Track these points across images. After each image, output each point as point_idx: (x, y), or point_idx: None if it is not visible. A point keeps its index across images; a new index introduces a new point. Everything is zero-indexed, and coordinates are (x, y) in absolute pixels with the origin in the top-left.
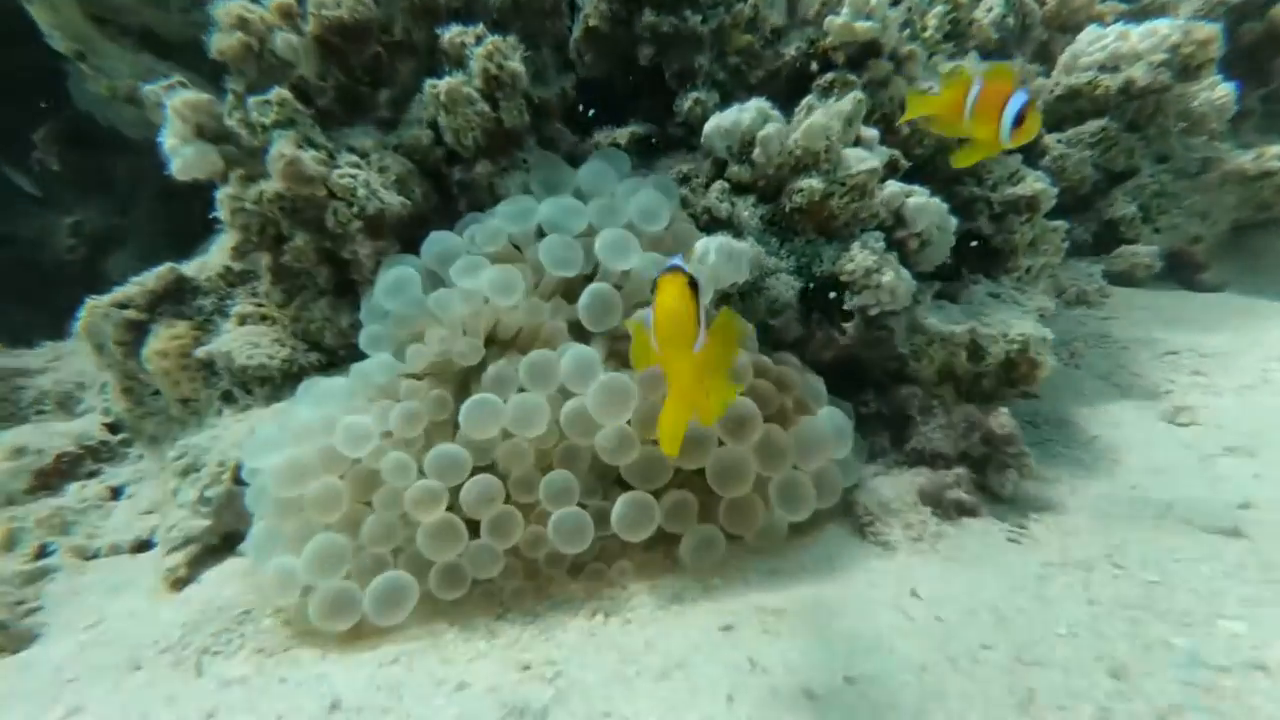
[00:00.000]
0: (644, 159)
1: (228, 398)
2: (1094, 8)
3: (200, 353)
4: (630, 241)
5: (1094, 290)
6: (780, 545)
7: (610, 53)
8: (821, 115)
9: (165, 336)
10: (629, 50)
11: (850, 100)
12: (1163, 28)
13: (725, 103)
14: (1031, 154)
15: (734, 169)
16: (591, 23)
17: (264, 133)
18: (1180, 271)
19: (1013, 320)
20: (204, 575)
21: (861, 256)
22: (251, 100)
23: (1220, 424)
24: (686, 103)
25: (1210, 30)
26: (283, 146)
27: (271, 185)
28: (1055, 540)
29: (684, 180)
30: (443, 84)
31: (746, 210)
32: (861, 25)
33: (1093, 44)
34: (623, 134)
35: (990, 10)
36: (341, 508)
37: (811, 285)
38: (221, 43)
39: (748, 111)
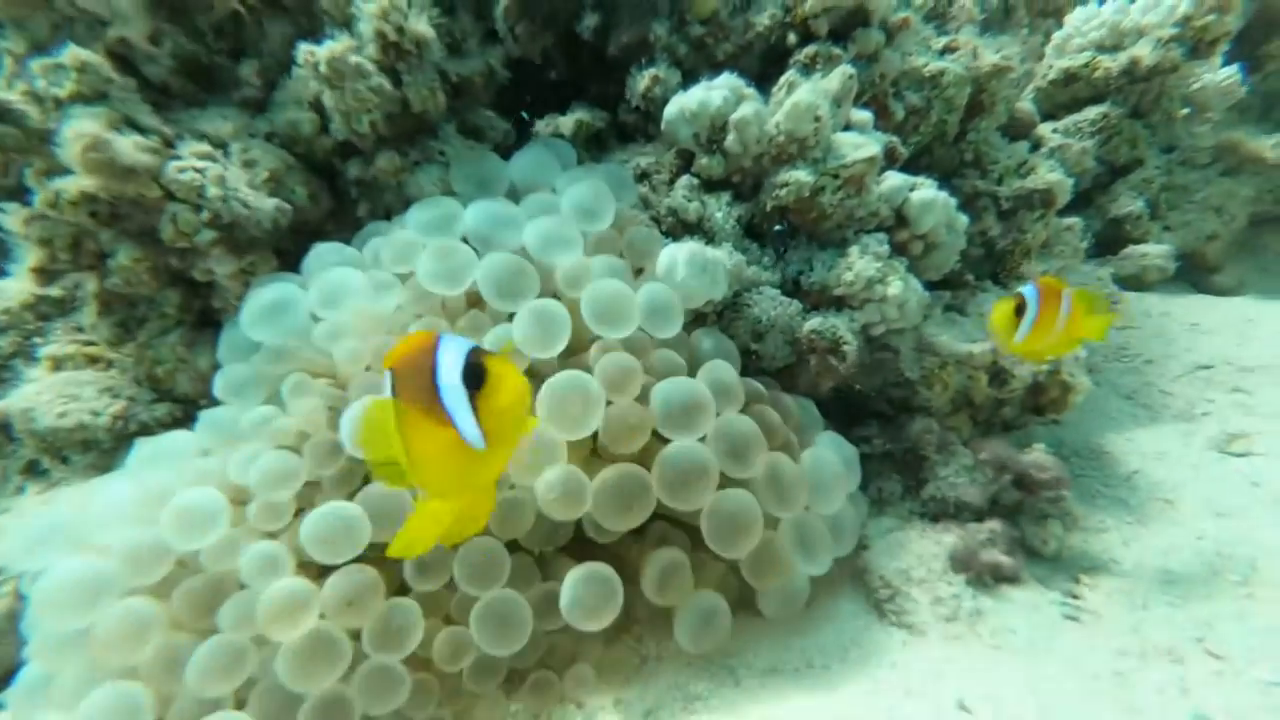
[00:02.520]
0: (593, 153)
1: (33, 470)
2: None
3: None
4: (569, 232)
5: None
6: (794, 620)
7: (546, 24)
8: (807, 93)
9: None
10: (569, 20)
11: (839, 76)
12: None
13: (688, 82)
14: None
15: (703, 161)
16: None
17: (58, 109)
18: (1191, 273)
19: None
20: None
21: (861, 264)
22: (35, 63)
23: None
24: (642, 82)
25: None
26: (82, 124)
27: (75, 182)
28: (1123, 616)
29: (642, 176)
30: (323, 51)
31: (720, 210)
32: None
33: (1088, 21)
34: (566, 123)
35: None
36: (149, 641)
37: None
38: None
39: (718, 90)
